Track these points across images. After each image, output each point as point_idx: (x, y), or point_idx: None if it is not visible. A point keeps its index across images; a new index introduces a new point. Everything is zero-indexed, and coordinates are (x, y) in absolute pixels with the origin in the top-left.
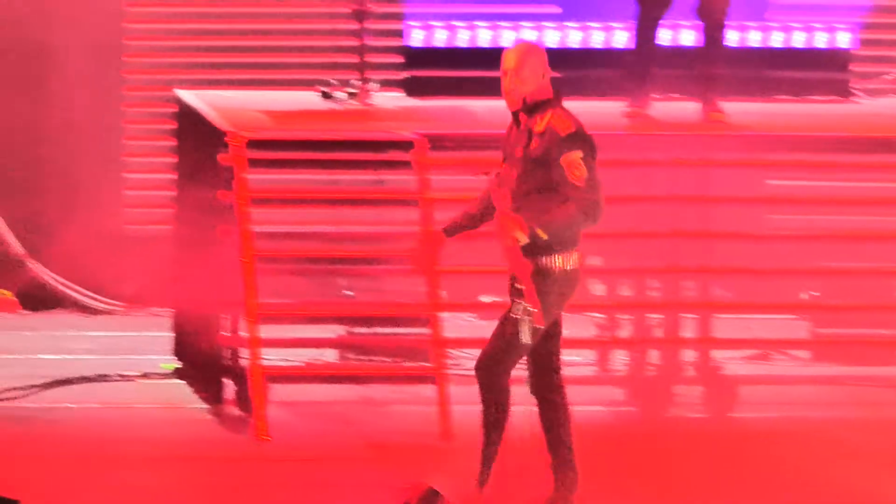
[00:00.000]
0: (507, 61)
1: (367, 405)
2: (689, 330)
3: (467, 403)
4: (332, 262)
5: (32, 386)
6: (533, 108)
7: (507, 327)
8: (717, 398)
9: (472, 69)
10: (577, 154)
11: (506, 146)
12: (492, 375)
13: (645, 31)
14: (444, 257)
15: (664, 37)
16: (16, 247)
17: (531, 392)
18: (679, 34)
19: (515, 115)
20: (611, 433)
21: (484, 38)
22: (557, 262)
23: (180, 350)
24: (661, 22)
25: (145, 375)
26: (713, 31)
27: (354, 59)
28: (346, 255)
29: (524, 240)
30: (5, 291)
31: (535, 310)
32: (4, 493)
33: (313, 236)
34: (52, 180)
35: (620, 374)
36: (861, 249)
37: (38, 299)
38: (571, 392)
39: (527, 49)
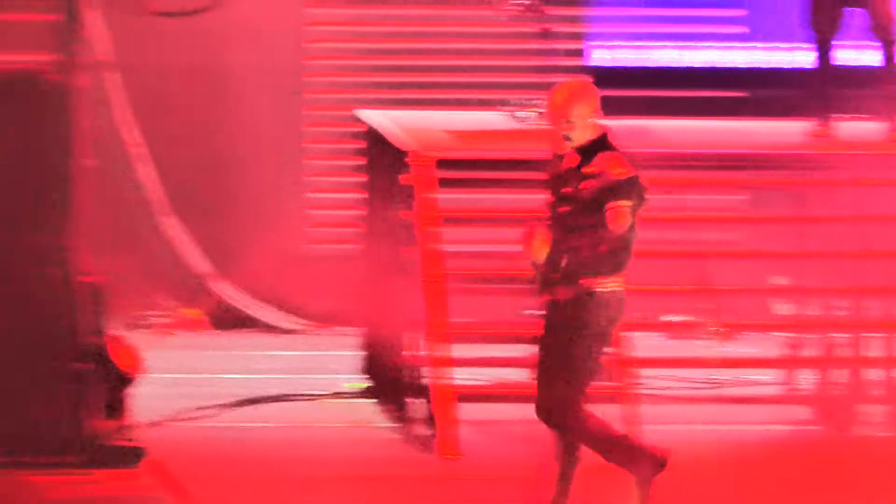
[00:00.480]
0: (555, 101)
1: None
2: (875, 349)
3: (654, 423)
4: (518, 281)
5: (220, 405)
6: (584, 148)
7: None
8: None
9: (654, 89)
10: (626, 204)
11: (554, 183)
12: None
13: (821, 51)
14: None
15: (845, 57)
16: (201, 267)
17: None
18: (862, 54)
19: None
20: (797, 452)
21: (667, 58)
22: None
23: (368, 369)
24: (833, 43)
25: (334, 395)
26: (889, 49)
27: (538, 79)
28: (527, 275)
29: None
30: (193, 311)
31: None
32: None
33: (499, 255)
34: (236, 201)
35: (807, 392)
36: None
37: (225, 319)
38: (757, 411)
39: (576, 89)
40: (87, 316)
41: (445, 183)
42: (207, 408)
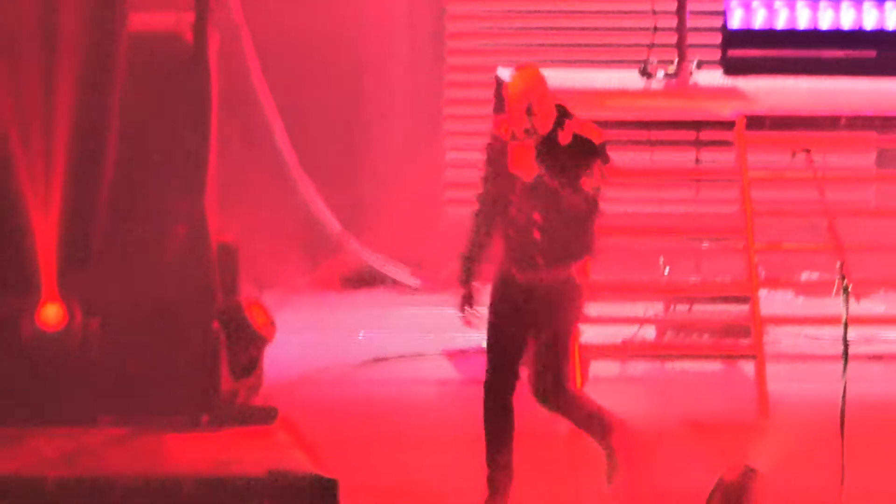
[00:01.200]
0: (525, 99)
1: (685, 382)
2: None
3: (785, 381)
4: (650, 240)
5: (351, 364)
6: (558, 120)
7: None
8: None
9: (790, 49)
10: (599, 163)
11: (507, 179)
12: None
13: None
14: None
15: None
16: (334, 227)
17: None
18: None
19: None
20: None
21: (803, 17)
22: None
23: None
24: None
25: (465, 351)
26: None
27: (674, 39)
28: (665, 233)
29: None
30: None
31: None
32: (323, 472)
33: (632, 215)
34: (373, 161)
35: None
36: None
37: (358, 278)
38: (889, 369)
39: (535, 77)
40: (222, 276)
41: None
42: (339, 366)
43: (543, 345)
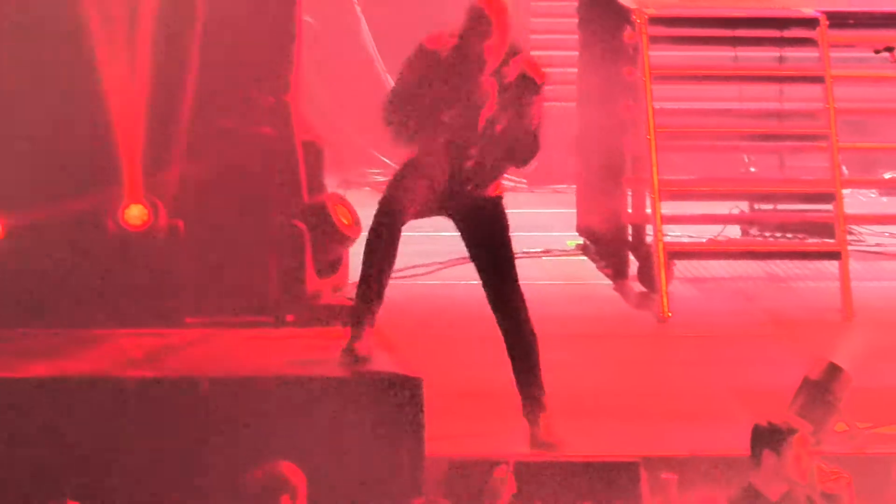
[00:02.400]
0: (495, 20)
1: (770, 281)
2: None
3: (869, 280)
4: (735, 138)
5: (436, 262)
6: (506, 55)
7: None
8: None
9: None
10: (540, 101)
11: (444, 92)
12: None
13: None
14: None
15: None
16: None
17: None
18: None
19: (455, 60)
20: None
21: None
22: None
23: (584, 227)
24: None
25: (547, 251)
26: None
27: None
28: (749, 132)
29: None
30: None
31: None
32: (407, 372)
33: (715, 113)
34: None
35: None
36: None
37: None
38: None
39: (503, 4)
40: (307, 175)
41: (664, 41)
42: (422, 265)
43: (488, 266)
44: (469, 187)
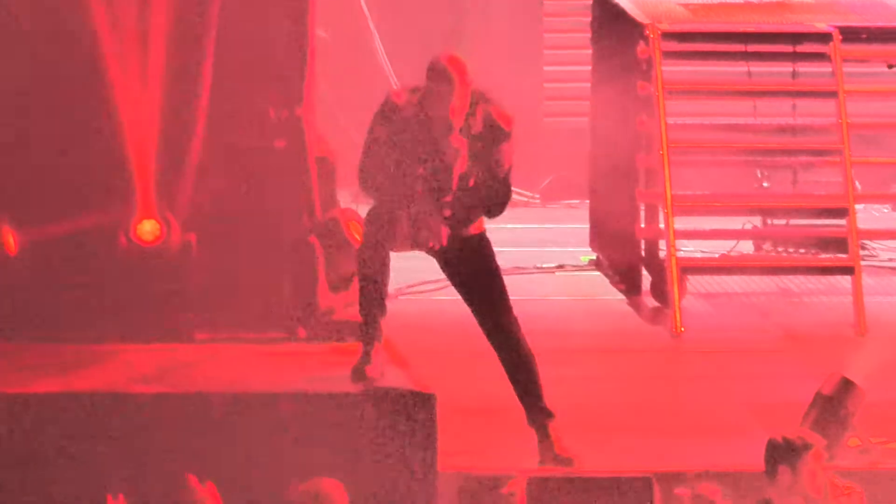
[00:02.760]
0: (458, 79)
1: (783, 296)
2: None
3: (882, 294)
4: (748, 153)
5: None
6: (471, 107)
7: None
8: None
9: None
10: (509, 148)
11: (413, 146)
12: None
13: None
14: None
15: None
16: None
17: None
18: None
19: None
20: None
21: None
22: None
23: (597, 242)
24: None
25: (561, 267)
26: None
27: None
28: (762, 147)
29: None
30: None
31: None
32: (420, 387)
33: (728, 128)
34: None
35: None
36: None
37: None
38: None
39: (463, 62)
40: (320, 190)
41: (677, 55)
42: (434, 281)
43: (477, 299)
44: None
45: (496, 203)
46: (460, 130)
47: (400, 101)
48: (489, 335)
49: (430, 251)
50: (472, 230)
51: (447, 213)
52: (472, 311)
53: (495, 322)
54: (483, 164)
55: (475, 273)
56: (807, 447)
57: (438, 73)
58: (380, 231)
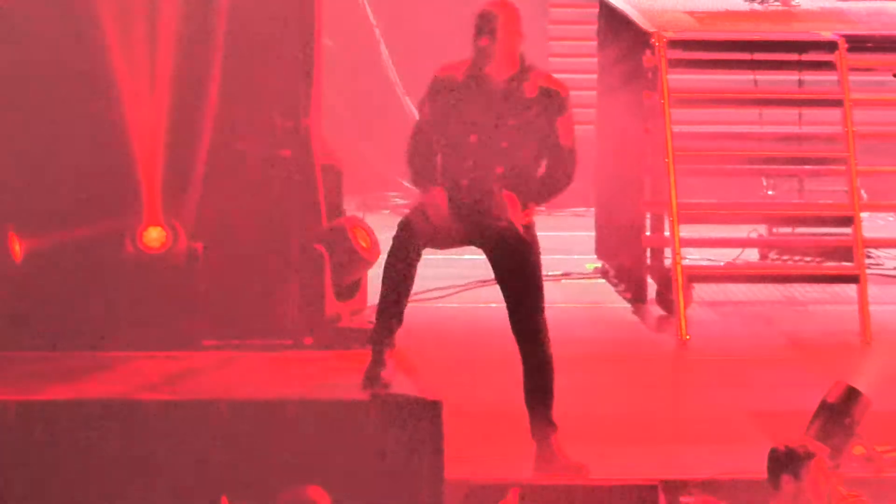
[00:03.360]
0: (501, 20)
1: (788, 305)
2: None
3: (887, 303)
4: (754, 162)
5: (454, 286)
6: (522, 69)
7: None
8: None
9: None
10: (573, 117)
11: (466, 115)
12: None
13: None
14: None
15: None
16: None
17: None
18: None
19: (472, 79)
20: None
21: None
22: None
23: (603, 250)
24: None
25: (566, 275)
26: None
27: None
28: (768, 155)
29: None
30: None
31: None
32: (427, 395)
33: (734, 137)
34: None
35: None
36: None
37: None
38: None
39: (514, 8)
40: (326, 198)
41: (683, 64)
42: (443, 288)
43: (515, 294)
44: (496, 213)
45: (564, 174)
46: (513, 90)
47: (445, 74)
48: (516, 331)
49: (481, 241)
50: (527, 220)
51: (497, 186)
52: (506, 302)
53: (522, 321)
54: (540, 135)
55: (514, 267)
56: (809, 456)
57: (484, 16)
58: (412, 238)
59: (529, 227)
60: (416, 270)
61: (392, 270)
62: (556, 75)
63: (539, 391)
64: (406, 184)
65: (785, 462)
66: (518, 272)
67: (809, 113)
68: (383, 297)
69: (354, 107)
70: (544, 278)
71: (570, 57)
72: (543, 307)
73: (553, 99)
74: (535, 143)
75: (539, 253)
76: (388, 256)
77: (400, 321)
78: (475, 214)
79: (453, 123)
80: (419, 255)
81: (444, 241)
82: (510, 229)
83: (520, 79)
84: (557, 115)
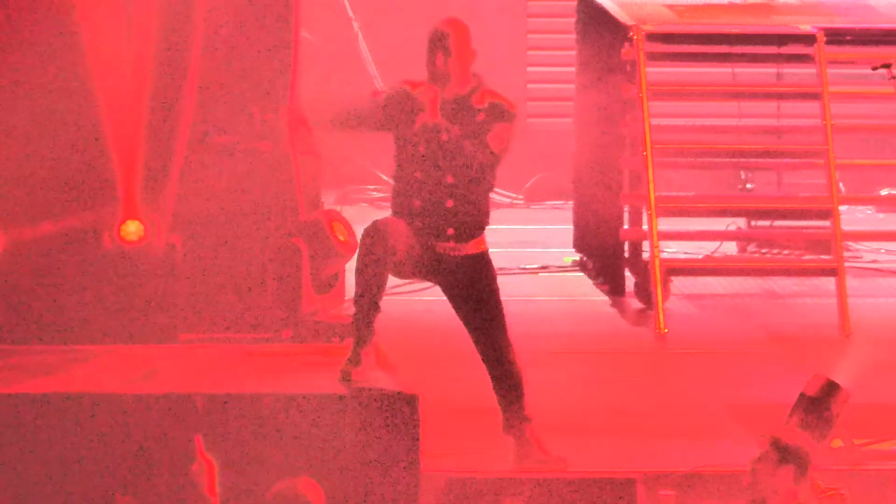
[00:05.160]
0: (453, 38)
1: (767, 298)
2: None
3: (866, 296)
4: (732, 155)
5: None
6: (476, 85)
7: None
8: None
9: None
10: (510, 129)
11: (419, 130)
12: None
13: None
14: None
15: None
16: None
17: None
18: None
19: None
20: None
21: None
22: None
23: (581, 243)
24: None
25: (544, 268)
26: None
27: None
28: (746, 149)
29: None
30: None
31: None
32: (404, 388)
33: (713, 130)
34: None
35: None
36: None
37: None
38: None
39: (465, 26)
40: (304, 191)
41: (662, 57)
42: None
43: (475, 322)
44: (450, 244)
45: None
46: (464, 103)
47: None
48: (482, 354)
49: (430, 274)
50: (474, 248)
51: (450, 231)
52: (468, 330)
53: (489, 343)
54: (481, 141)
55: (474, 293)
56: (792, 448)
57: (436, 35)
58: (379, 239)
59: (482, 255)
60: (388, 271)
61: (363, 273)
62: (533, 69)
63: (509, 399)
64: (382, 176)
65: (786, 455)
66: (476, 299)
67: (788, 106)
68: (358, 295)
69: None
70: (523, 271)
71: (548, 50)
72: (505, 328)
73: (499, 109)
74: (476, 143)
75: (495, 278)
76: (357, 261)
77: (377, 312)
78: (428, 239)
79: (406, 143)
80: (391, 253)
81: (401, 269)
82: (463, 259)
83: (471, 93)
84: (497, 122)
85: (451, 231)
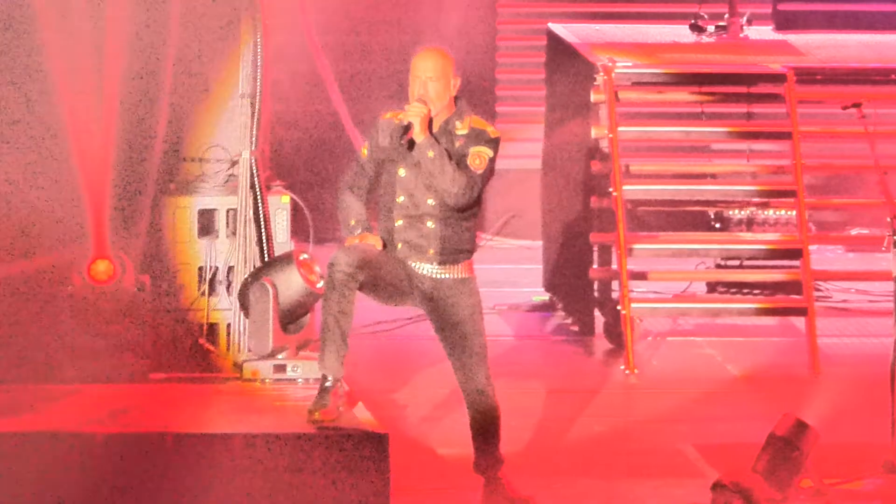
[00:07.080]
0: (428, 69)
1: (737, 336)
2: None
3: (835, 336)
4: (703, 196)
5: (405, 318)
6: (458, 111)
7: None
8: None
9: (840, 3)
10: (490, 153)
11: (392, 153)
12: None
13: None
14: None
15: None
16: None
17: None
18: None
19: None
20: None
21: None
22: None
23: (551, 282)
24: None
25: (514, 307)
26: None
27: None
28: (717, 197)
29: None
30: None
31: None
32: (373, 427)
33: (683, 174)
34: None
35: None
36: None
37: None
38: None
39: (443, 54)
40: (274, 230)
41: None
42: (389, 321)
43: (456, 349)
44: (431, 264)
45: (451, 183)
46: (446, 127)
47: (387, 117)
48: (460, 384)
49: (410, 296)
50: (458, 272)
51: (430, 251)
52: (448, 357)
53: (467, 373)
54: (462, 164)
55: (453, 317)
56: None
57: (416, 64)
58: (343, 270)
59: (467, 281)
60: (353, 304)
61: (328, 300)
62: (503, 109)
63: (485, 439)
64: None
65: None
66: (458, 325)
67: (759, 145)
68: (324, 331)
69: (303, 138)
70: (492, 311)
71: (517, 90)
72: (486, 364)
73: (479, 133)
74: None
75: (478, 307)
76: (324, 297)
77: (345, 351)
78: (409, 259)
79: (389, 165)
80: (355, 286)
81: (381, 283)
82: (444, 281)
83: (453, 119)
84: (478, 144)
85: (430, 251)
